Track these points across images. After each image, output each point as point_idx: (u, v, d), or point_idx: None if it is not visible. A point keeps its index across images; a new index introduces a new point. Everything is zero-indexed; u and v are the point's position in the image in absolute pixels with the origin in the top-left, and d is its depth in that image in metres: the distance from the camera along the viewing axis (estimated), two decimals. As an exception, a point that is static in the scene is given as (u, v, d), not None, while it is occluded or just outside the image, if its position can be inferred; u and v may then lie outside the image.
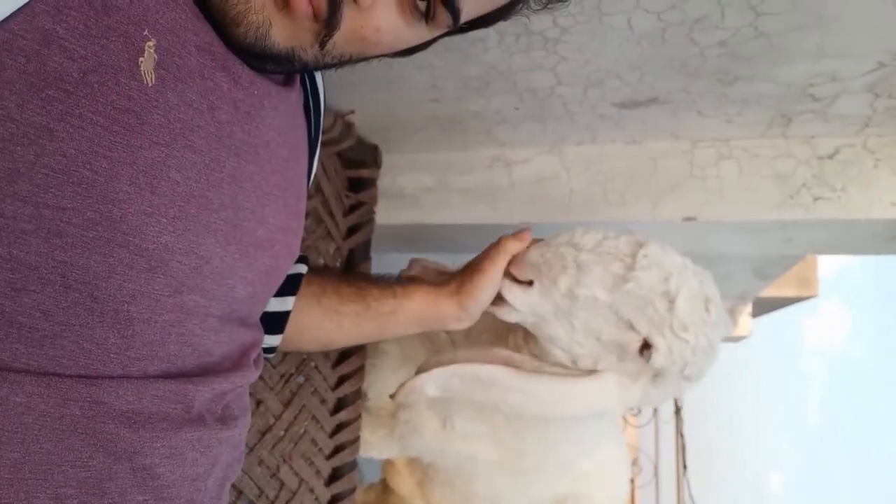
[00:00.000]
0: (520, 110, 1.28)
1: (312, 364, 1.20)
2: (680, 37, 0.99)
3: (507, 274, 0.93)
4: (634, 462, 3.20)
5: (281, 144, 0.65)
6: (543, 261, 0.90)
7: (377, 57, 0.63)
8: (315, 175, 0.85)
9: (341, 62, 0.60)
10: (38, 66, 0.42)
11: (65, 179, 0.44)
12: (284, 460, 1.14)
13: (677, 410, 3.22)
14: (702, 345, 0.86)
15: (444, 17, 0.58)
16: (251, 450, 1.10)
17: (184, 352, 0.56)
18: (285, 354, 1.15)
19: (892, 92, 1.11)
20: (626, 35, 0.99)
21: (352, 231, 1.32)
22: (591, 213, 1.41)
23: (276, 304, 0.83)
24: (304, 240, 0.85)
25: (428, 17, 0.58)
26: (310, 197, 1.14)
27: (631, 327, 0.87)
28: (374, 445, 1.33)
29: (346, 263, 1.30)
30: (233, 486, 1.04)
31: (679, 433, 3.21)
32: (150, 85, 0.48)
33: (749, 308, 3.25)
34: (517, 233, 0.93)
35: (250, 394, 0.74)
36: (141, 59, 0.47)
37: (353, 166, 1.35)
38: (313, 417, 1.20)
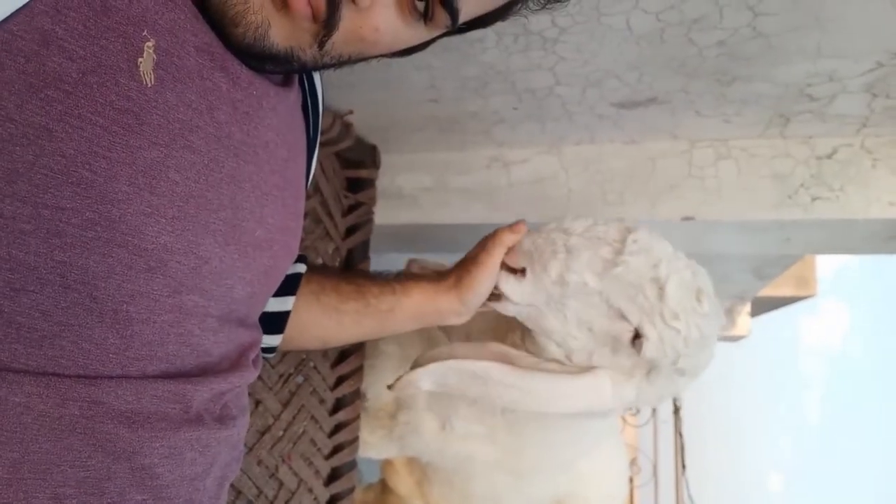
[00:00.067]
0: (518, 110, 1.28)
1: (311, 364, 1.20)
2: (678, 37, 0.99)
3: (503, 265, 0.93)
4: (633, 462, 3.20)
5: (279, 145, 0.65)
6: (535, 247, 0.91)
7: (376, 57, 0.63)
8: (314, 175, 0.85)
9: (340, 62, 0.60)
10: (37, 67, 0.42)
11: (64, 180, 0.44)
12: (283, 460, 1.14)
13: (676, 410, 3.22)
14: (693, 335, 0.86)
15: (442, 17, 0.58)
16: (250, 450, 1.10)
17: (182, 352, 0.56)
18: (284, 354, 1.16)
19: (889, 92, 1.11)
20: (624, 35, 0.99)
21: (350, 231, 1.32)
22: (590, 212, 1.40)
23: (276, 304, 0.83)
24: (302, 240, 0.85)
25: (426, 17, 0.58)
26: (308, 197, 1.14)
27: (622, 316, 0.87)
28: (373, 446, 1.33)
29: (344, 264, 1.30)
30: (231, 485, 1.04)
31: (678, 433, 3.22)
32: (149, 85, 0.48)
33: (748, 308, 3.25)
34: (512, 224, 0.94)
35: (249, 394, 0.74)
36: (140, 59, 0.47)
37: (351, 166, 1.35)
38: (312, 417, 1.20)
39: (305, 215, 0.92)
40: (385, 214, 1.47)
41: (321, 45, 0.56)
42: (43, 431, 0.47)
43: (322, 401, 1.22)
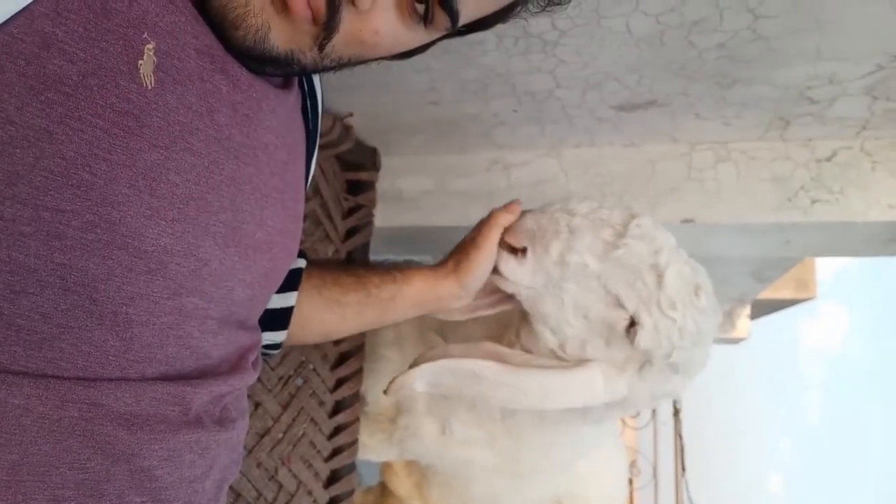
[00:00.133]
0: (518, 113, 1.29)
1: (311, 366, 1.20)
2: (678, 39, 0.99)
3: (504, 244, 0.93)
4: (633, 464, 3.20)
5: (279, 147, 0.65)
6: (538, 226, 0.91)
7: (376, 60, 0.63)
8: (314, 177, 0.85)
9: (340, 65, 0.60)
10: (37, 69, 0.42)
11: (64, 182, 0.44)
12: (283, 462, 1.14)
13: (676, 412, 3.22)
14: (689, 328, 0.85)
15: (442, 19, 0.58)
16: (249, 452, 1.10)
17: (182, 354, 0.56)
18: (284, 357, 1.16)
19: (889, 94, 1.11)
20: (624, 38, 0.99)
21: (350, 233, 1.32)
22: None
23: (279, 301, 0.83)
24: (302, 242, 0.85)
25: (426, 20, 0.58)
26: (308, 199, 1.14)
27: (619, 303, 0.87)
28: (373, 449, 1.33)
29: (344, 266, 1.30)
30: (231, 488, 1.04)
31: (678, 435, 3.21)
32: (149, 87, 0.48)
33: (747, 310, 3.25)
34: (507, 204, 0.94)
35: (249, 396, 0.74)
36: (140, 61, 0.47)
37: (351, 169, 1.35)
38: (312, 420, 1.20)
39: (305, 218, 0.92)
40: (385, 217, 1.47)
41: (321, 47, 0.56)
42: (42, 433, 0.47)
43: (321, 403, 1.22)
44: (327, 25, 0.54)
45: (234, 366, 0.64)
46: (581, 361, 0.92)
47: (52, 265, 0.46)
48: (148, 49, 0.48)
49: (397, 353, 1.30)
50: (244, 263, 0.60)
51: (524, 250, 0.91)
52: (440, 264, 0.95)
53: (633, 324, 0.87)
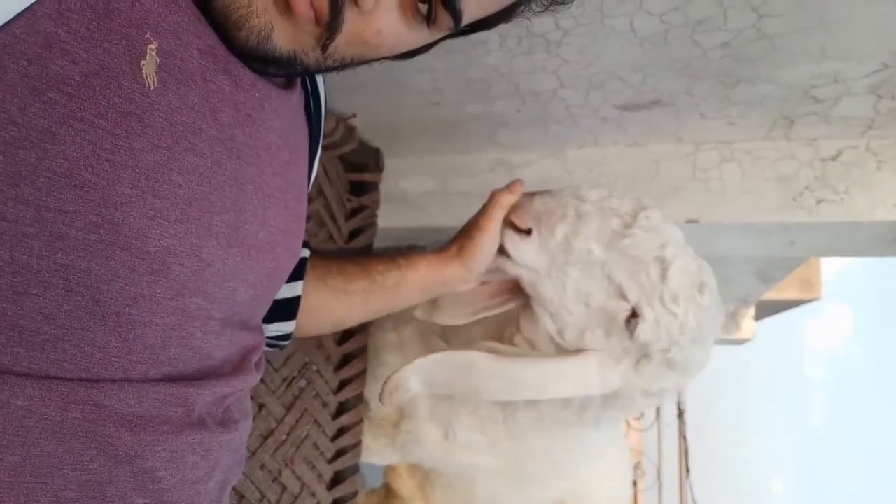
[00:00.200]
0: (522, 113, 1.28)
1: (314, 368, 1.20)
2: (682, 38, 0.99)
3: (509, 223, 0.93)
4: (637, 465, 3.20)
5: (282, 147, 0.65)
6: (545, 209, 0.90)
7: (379, 60, 0.63)
8: (317, 178, 0.84)
9: (343, 65, 0.60)
10: (40, 70, 0.42)
11: (67, 182, 0.44)
12: (286, 464, 1.14)
13: (680, 413, 3.21)
14: (690, 324, 0.85)
15: (445, 19, 0.58)
16: (253, 454, 1.09)
17: (185, 355, 0.56)
18: (287, 358, 1.15)
19: (895, 93, 1.10)
20: (628, 37, 0.99)
21: (354, 234, 1.32)
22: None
23: (286, 291, 0.83)
24: (306, 243, 0.85)
25: (429, 19, 0.58)
26: (312, 200, 1.14)
27: (621, 294, 0.86)
28: (376, 452, 1.33)
29: (348, 266, 1.30)
30: (235, 490, 1.04)
31: (682, 436, 3.21)
32: (151, 88, 0.48)
33: (752, 311, 3.24)
34: (509, 185, 0.94)
35: (252, 397, 0.74)
36: (143, 61, 0.47)
37: (355, 170, 1.35)
38: (315, 421, 1.20)
39: (309, 219, 0.92)
40: (388, 218, 1.47)
41: (324, 48, 0.56)
42: (45, 435, 0.47)
43: (325, 405, 1.22)
44: (330, 26, 0.54)
45: (236, 367, 0.64)
46: (577, 351, 0.92)
47: (54, 266, 0.45)
48: (150, 49, 0.48)
49: (400, 357, 1.30)
50: (247, 264, 0.60)
51: (529, 231, 0.91)
52: (444, 248, 0.95)
53: (633, 315, 0.86)
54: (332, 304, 0.91)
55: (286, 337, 0.87)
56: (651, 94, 1.18)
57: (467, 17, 0.60)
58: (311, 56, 0.56)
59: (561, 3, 0.65)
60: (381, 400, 0.96)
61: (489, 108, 1.27)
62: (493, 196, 0.93)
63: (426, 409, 1.21)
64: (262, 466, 1.11)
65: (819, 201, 1.29)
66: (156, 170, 0.49)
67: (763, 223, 1.33)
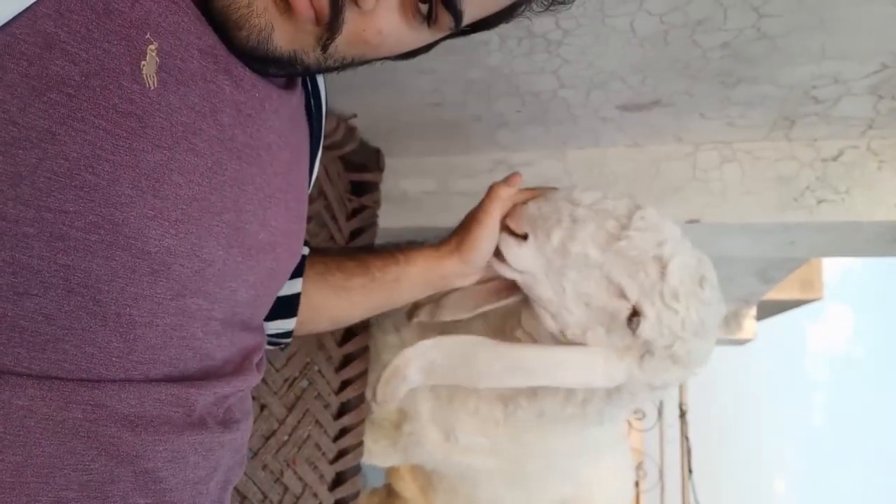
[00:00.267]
0: (522, 113, 1.28)
1: (316, 368, 1.20)
2: (682, 39, 0.99)
3: (505, 228, 0.93)
4: (639, 466, 3.19)
5: (283, 147, 0.65)
6: (540, 214, 0.90)
7: (379, 60, 0.63)
8: (318, 178, 0.84)
9: (343, 65, 0.60)
10: (40, 70, 0.42)
11: (67, 183, 0.44)
12: (288, 465, 1.14)
13: (682, 414, 3.21)
14: (692, 319, 0.85)
15: (446, 19, 0.58)
16: (255, 454, 1.09)
17: (185, 355, 0.56)
18: (289, 358, 1.15)
19: (895, 93, 1.10)
20: (628, 37, 0.99)
21: (355, 235, 1.31)
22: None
23: (286, 288, 0.83)
24: (307, 243, 0.85)
25: (430, 19, 0.58)
26: (313, 201, 1.14)
27: (621, 293, 0.86)
28: (378, 454, 1.33)
29: (348, 267, 1.30)
30: (237, 490, 1.04)
31: (684, 437, 3.21)
32: (152, 88, 0.48)
33: (753, 311, 3.24)
34: (507, 177, 0.94)
35: (254, 398, 0.74)
36: (143, 62, 0.47)
37: (355, 170, 1.35)
38: (317, 422, 1.20)
39: (310, 219, 0.91)
40: (389, 218, 1.47)
41: (324, 47, 0.56)
42: (46, 435, 0.47)
43: (327, 405, 1.22)
44: (331, 25, 0.54)
45: (237, 367, 0.64)
46: (582, 344, 0.92)
47: (55, 266, 0.45)
48: (151, 50, 0.48)
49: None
50: (247, 264, 0.60)
51: (525, 236, 0.91)
52: (442, 243, 0.95)
53: (635, 314, 0.86)
54: (332, 301, 0.91)
55: (287, 335, 0.87)
56: (651, 95, 1.18)
57: (468, 17, 0.60)
58: (312, 56, 0.56)
59: (561, 3, 0.65)
60: (375, 392, 0.96)
61: (489, 108, 1.27)
62: (491, 189, 0.93)
63: (427, 411, 1.21)
64: (264, 467, 1.11)
65: (820, 201, 1.29)
66: (156, 170, 0.49)
67: (763, 223, 1.33)
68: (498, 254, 0.93)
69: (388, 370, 0.94)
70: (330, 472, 1.22)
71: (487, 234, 0.92)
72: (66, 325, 0.47)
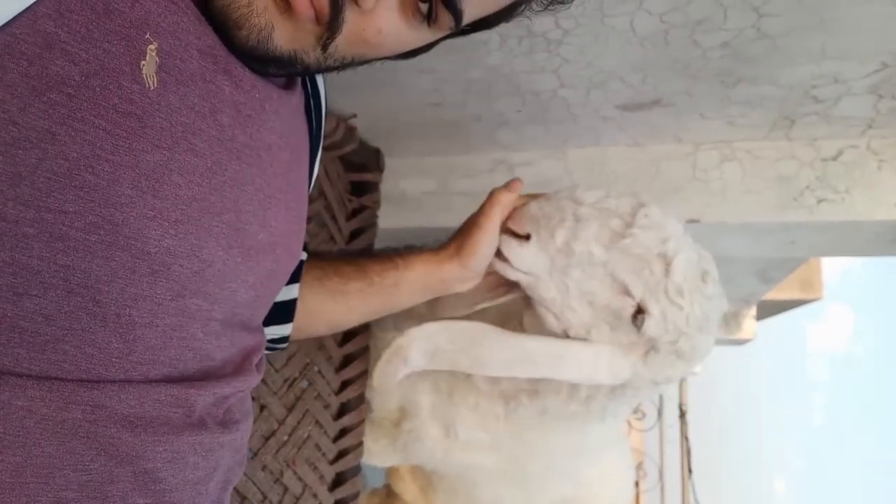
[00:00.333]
0: (522, 113, 1.28)
1: (316, 368, 1.20)
2: (682, 38, 0.99)
3: (506, 230, 0.93)
4: (639, 466, 3.19)
5: (282, 147, 0.65)
6: (542, 213, 0.90)
7: (379, 59, 0.63)
8: (317, 179, 0.84)
9: (343, 65, 0.60)
10: (39, 70, 0.42)
11: (67, 183, 0.44)
12: (288, 465, 1.14)
13: (682, 414, 3.21)
14: (696, 314, 0.85)
15: (446, 19, 0.58)
16: (255, 455, 1.09)
17: (185, 356, 0.56)
18: (288, 359, 1.15)
19: (895, 93, 1.10)
20: (628, 37, 0.99)
21: (355, 235, 1.31)
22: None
23: (282, 293, 0.82)
24: (307, 244, 0.85)
25: (430, 19, 0.58)
26: (312, 201, 1.14)
27: (625, 291, 0.86)
28: (377, 454, 1.33)
29: (348, 267, 1.30)
30: (237, 491, 1.04)
31: (684, 437, 3.21)
32: (151, 88, 0.48)
33: (753, 311, 3.24)
34: (507, 183, 0.94)
35: (253, 398, 0.74)
36: (143, 62, 0.47)
37: (355, 170, 1.35)
38: (317, 422, 1.19)
39: (309, 219, 0.91)
40: (389, 218, 1.47)
41: (324, 47, 0.56)
42: (45, 435, 0.47)
43: (327, 405, 1.22)
44: (331, 25, 0.54)
45: (237, 367, 0.64)
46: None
47: (55, 267, 0.45)
48: (150, 50, 0.48)
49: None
50: (247, 265, 0.60)
51: (528, 237, 0.91)
52: (442, 247, 0.95)
53: (639, 311, 0.86)
54: (329, 306, 0.91)
55: (283, 340, 0.87)
56: (651, 94, 1.18)
57: (468, 17, 0.60)
58: (312, 55, 0.56)
59: (561, 3, 0.65)
60: (374, 373, 0.95)
61: (490, 108, 1.27)
62: (492, 194, 0.93)
63: (427, 407, 1.21)
64: (264, 467, 1.11)
65: (819, 201, 1.29)
66: (156, 170, 0.49)
67: (763, 223, 1.33)
68: (500, 255, 0.93)
69: (390, 348, 0.94)
70: (330, 473, 1.22)
71: (487, 239, 0.91)
72: (66, 325, 0.47)
